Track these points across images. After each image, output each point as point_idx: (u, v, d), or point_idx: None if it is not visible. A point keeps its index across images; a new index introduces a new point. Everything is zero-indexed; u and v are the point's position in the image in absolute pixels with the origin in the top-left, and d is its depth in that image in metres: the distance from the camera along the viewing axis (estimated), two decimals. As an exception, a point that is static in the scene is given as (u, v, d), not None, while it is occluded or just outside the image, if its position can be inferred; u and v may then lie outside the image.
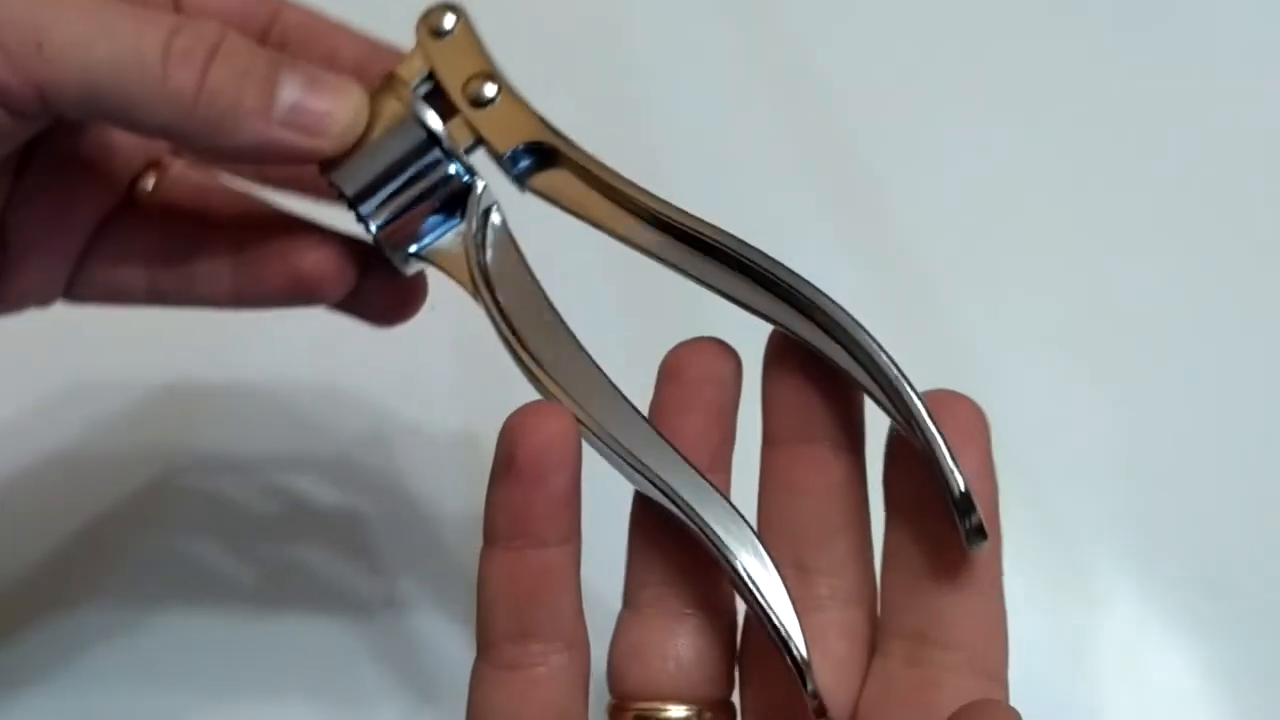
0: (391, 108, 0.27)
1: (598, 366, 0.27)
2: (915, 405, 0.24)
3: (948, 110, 0.52)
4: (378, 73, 0.29)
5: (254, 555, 0.40)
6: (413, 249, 0.29)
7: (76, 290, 0.30)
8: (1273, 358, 0.45)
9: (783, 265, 0.27)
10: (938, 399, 0.25)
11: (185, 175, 0.32)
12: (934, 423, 0.24)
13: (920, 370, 0.45)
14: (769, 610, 0.24)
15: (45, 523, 0.40)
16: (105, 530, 0.40)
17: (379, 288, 0.31)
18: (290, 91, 0.25)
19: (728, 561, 0.24)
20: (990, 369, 0.44)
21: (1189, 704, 0.38)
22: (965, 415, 0.25)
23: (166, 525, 0.40)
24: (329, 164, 0.27)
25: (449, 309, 0.30)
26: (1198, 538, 0.41)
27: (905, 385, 0.25)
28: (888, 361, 0.25)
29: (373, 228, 0.28)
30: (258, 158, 0.27)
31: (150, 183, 0.31)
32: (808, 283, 0.26)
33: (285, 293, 0.30)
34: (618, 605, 0.27)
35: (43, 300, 0.30)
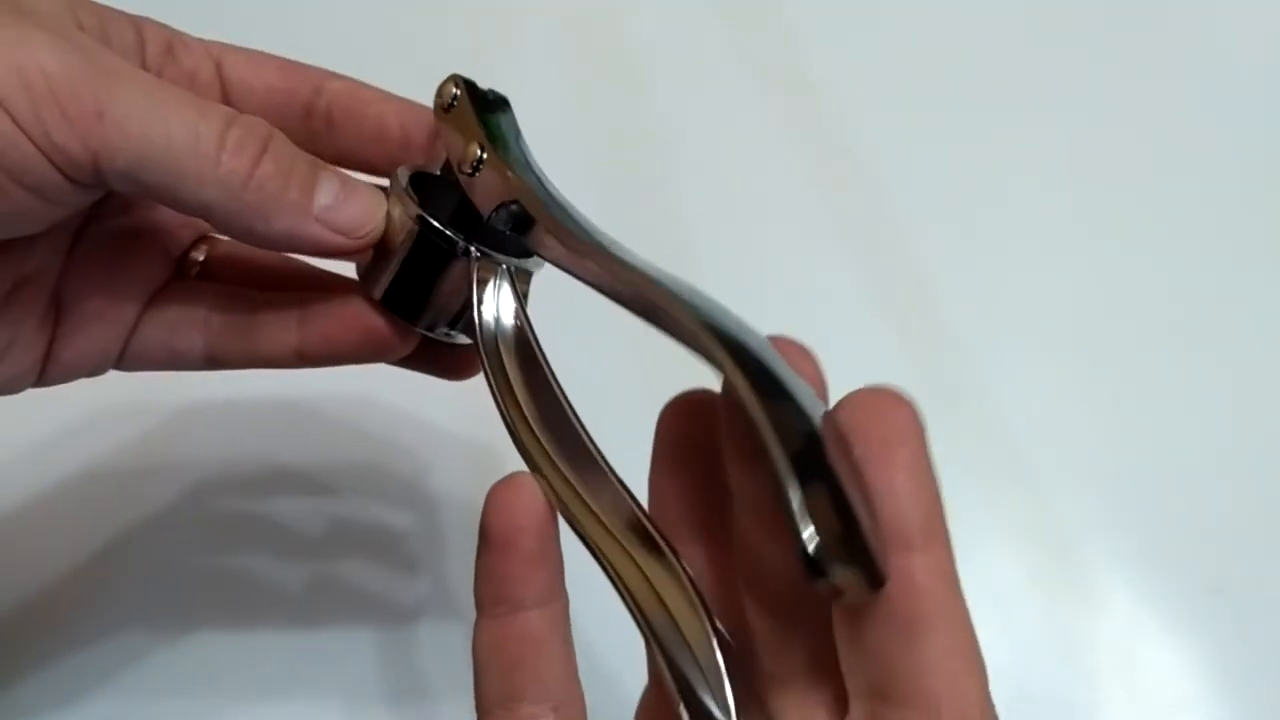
0: (400, 217, 0.29)
1: (587, 435, 0.27)
2: (774, 451, 0.21)
3: (945, 113, 0.52)
4: (424, 138, 0.30)
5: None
6: (447, 328, 0.30)
7: (130, 360, 0.31)
8: (1272, 358, 0.45)
9: (701, 311, 0.24)
10: (862, 398, 0.23)
11: (236, 246, 0.33)
12: (788, 463, 0.21)
13: (921, 372, 0.45)
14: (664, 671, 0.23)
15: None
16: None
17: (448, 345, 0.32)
18: (327, 193, 0.28)
19: (645, 635, 0.24)
20: (990, 370, 0.44)
21: (1188, 703, 0.38)
22: (891, 414, 0.22)
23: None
24: (368, 281, 0.29)
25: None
26: (1196, 537, 0.41)
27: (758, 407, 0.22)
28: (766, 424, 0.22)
29: (416, 326, 0.30)
30: (286, 245, 0.28)
31: (201, 254, 0.32)
32: (715, 325, 0.24)
33: (356, 349, 0.30)
34: (623, 664, 0.27)
35: (94, 370, 0.31)
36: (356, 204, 0.28)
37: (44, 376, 0.30)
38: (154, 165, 0.25)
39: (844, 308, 0.46)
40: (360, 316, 0.30)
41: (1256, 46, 0.54)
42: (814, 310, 0.46)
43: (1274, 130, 0.51)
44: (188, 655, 0.38)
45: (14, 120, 0.24)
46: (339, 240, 0.28)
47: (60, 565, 0.40)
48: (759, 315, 0.47)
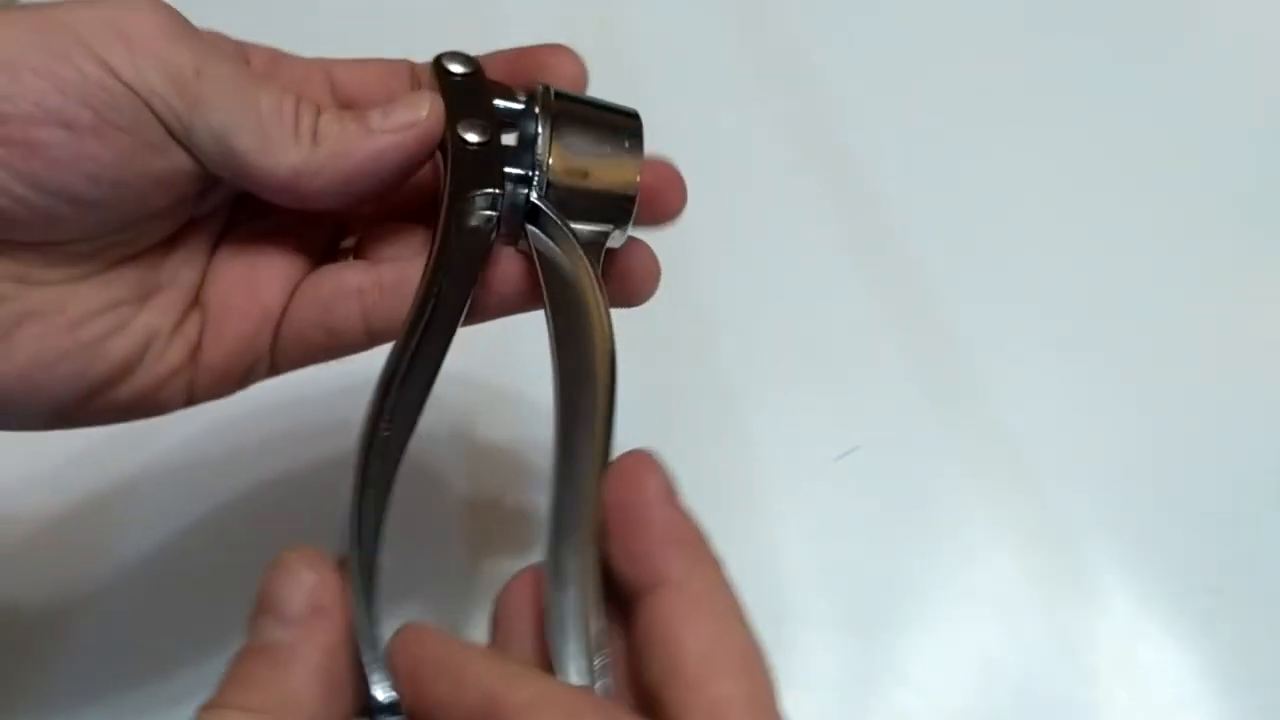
0: None
1: None
2: None
3: (947, 119, 0.52)
4: None
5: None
6: None
7: (286, 350, 0.31)
8: (1271, 360, 0.45)
9: None
10: (618, 468, 0.25)
11: (387, 225, 0.33)
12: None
13: (921, 373, 0.45)
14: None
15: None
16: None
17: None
18: (376, 115, 0.29)
19: None
20: (990, 370, 0.44)
21: (1187, 703, 0.38)
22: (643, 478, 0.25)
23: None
24: None
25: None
26: (1196, 538, 0.41)
27: None
28: None
29: None
30: (376, 169, 0.29)
31: (351, 241, 0.33)
32: None
33: (519, 298, 0.31)
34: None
35: (246, 374, 0.31)
36: (401, 106, 0.30)
37: (194, 388, 0.30)
38: (246, 131, 0.27)
39: (844, 309, 0.46)
40: (516, 264, 0.31)
41: (1255, 58, 0.54)
42: (814, 312, 0.46)
43: (1272, 137, 0.51)
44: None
45: (100, 61, 0.26)
46: (406, 133, 0.29)
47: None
48: (760, 318, 0.48)
